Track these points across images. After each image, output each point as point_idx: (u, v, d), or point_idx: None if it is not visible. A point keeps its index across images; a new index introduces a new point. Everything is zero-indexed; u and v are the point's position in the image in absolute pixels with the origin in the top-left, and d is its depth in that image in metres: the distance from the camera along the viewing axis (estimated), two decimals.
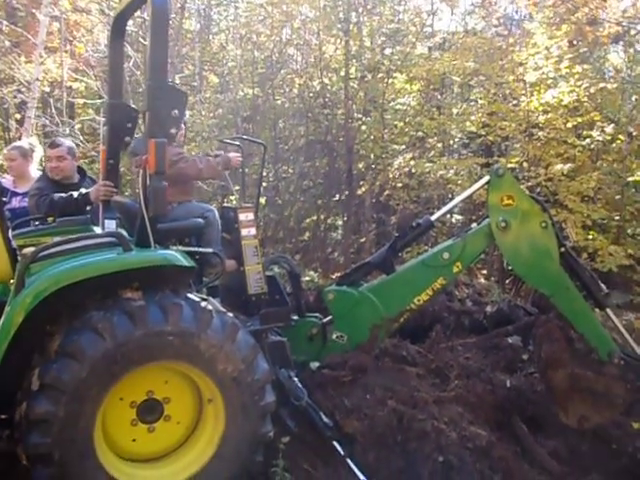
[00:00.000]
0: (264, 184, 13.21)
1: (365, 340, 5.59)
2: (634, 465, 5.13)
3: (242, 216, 5.16)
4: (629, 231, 11.23)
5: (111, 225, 4.71)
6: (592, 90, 10.91)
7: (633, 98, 11.85)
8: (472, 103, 13.19)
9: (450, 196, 13.40)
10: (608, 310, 5.79)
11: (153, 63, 4.05)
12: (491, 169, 5.83)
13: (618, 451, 5.24)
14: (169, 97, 4.04)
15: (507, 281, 11.79)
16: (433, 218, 5.94)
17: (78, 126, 12.24)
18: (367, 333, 5.59)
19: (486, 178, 5.74)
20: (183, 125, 5.64)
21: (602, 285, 5.75)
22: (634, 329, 8.82)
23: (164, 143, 4.00)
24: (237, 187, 9.53)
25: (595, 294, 5.73)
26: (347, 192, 12.71)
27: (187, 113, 6.01)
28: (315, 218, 13.47)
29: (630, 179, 11.24)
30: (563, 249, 5.60)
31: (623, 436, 5.34)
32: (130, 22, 10.85)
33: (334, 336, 5.58)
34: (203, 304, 4.02)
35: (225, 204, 5.81)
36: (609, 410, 5.43)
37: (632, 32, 10.96)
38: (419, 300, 5.62)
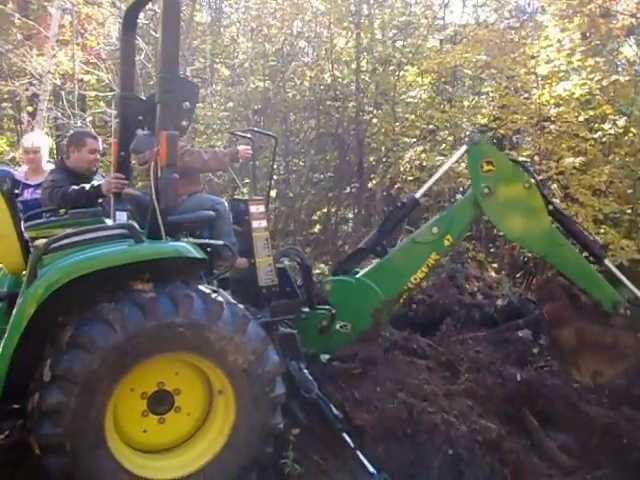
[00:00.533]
0: (275, 177, 13.23)
1: (369, 326, 5.62)
2: None
3: (253, 208, 5.17)
4: None
5: (122, 217, 4.74)
6: (604, 83, 10.84)
7: None
8: (483, 96, 13.12)
9: (461, 189, 13.39)
10: (606, 261, 5.79)
11: (164, 56, 4.05)
12: (468, 138, 5.81)
13: (628, 445, 5.22)
14: (180, 89, 4.05)
15: (518, 275, 11.76)
16: (417, 196, 5.94)
17: (89, 119, 12.28)
18: (369, 319, 5.62)
19: (464, 148, 5.76)
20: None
21: (596, 238, 5.75)
22: None
23: (175, 135, 4.01)
24: (248, 180, 9.56)
25: (591, 248, 5.73)
26: (358, 185, 12.68)
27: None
28: (326, 211, 13.46)
29: None
30: (551, 207, 5.60)
31: (633, 430, 5.31)
32: (141, 15, 10.90)
33: (337, 326, 5.59)
34: (214, 296, 4.03)
35: (236, 196, 5.80)
36: (621, 362, 5.46)
37: None
38: (416, 278, 5.65)
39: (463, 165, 11.35)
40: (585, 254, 5.94)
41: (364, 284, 5.64)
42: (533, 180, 5.55)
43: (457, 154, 5.89)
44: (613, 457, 5.16)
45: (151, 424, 4.05)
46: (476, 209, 5.66)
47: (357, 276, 5.73)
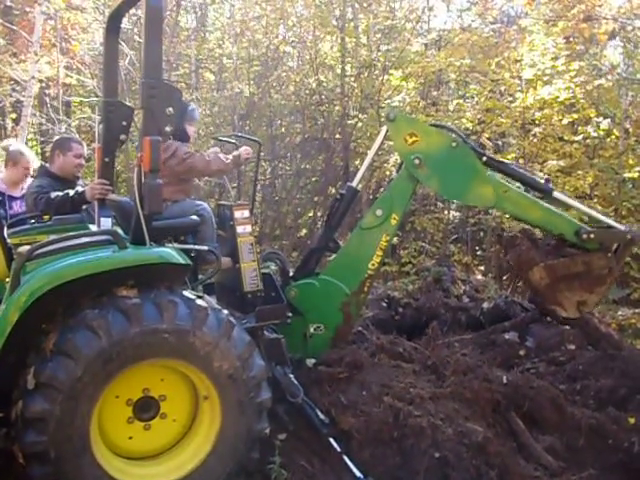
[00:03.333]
0: (261, 181, 13.23)
1: (341, 321, 5.65)
2: (630, 460, 5.12)
3: (237, 213, 5.16)
4: None
5: (107, 223, 4.72)
6: (588, 87, 10.93)
7: (629, 94, 11.85)
8: (468, 100, 13.18)
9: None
10: (555, 193, 5.78)
11: (147, 61, 4.04)
12: (384, 116, 5.83)
13: (614, 446, 5.21)
14: (163, 95, 4.03)
15: (504, 277, 11.82)
16: (354, 184, 5.95)
17: (75, 124, 12.23)
18: (340, 314, 5.64)
19: (384, 129, 5.80)
20: (193, 123, 5.68)
21: (538, 174, 5.76)
22: (630, 324, 8.85)
23: (159, 141, 4.00)
24: (234, 185, 9.56)
25: (536, 185, 5.75)
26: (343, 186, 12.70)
27: (197, 111, 6.03)
28: (312, 215, 13.48)
29: (626, 175, 11.26)
30: (485, 158, 5.61)
31: (619, 431, 5.32)
32: (125, 20, 10.88)
33: (311, 329, 5.61)
34: (198, 301, 4.02)
35: (221, 201, 5.81)
36: (601, 285, 5.50)
37: (628, 28, 10.95)
38: (373, 264, 5.66)
39: None
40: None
41: (327, 282, 5.66)
42: (460, 138, 5.57)
43: (380, 136, 5.90)
44: (599, 458, 5.16)
45: (137, 431, 4.03)
46: (413, 182, 5.68)
47: (318, 276, 5.76)
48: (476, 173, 5.54)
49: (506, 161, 5.92)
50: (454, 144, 5.52)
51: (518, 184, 5.81)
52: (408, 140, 5.52)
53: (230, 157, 5.47)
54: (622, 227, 5.88)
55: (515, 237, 5.86)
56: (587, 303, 5.44)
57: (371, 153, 6.16)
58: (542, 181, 5.79)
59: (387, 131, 5.72)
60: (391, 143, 12.58)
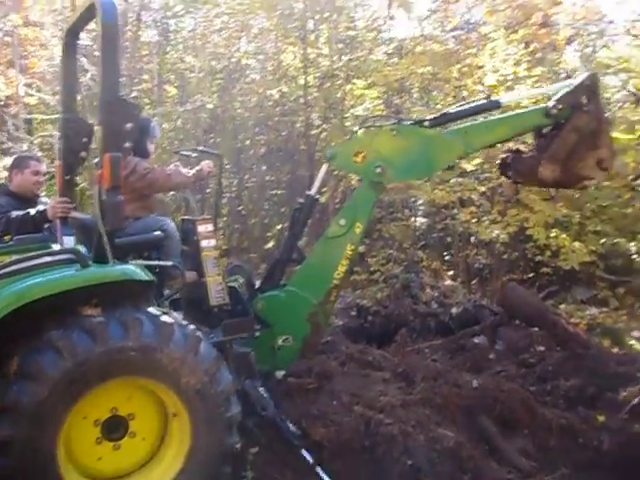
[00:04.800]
0: (227, 194, 13.20)
1: (309, 332, 5.62)
2: (600, 458, 5.19)
3: (201, 227, 5.14)
4: (590, 228, 11.38)
5: (70, 242, 4.66)
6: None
7: None
8: (431, 107, 13.26)
9: (413, 200, 13.49)
10: (502, 100, 5.79)
11: (105, 77, 4.02)
12: (326, 158, 5.84)
13: (584, 445, 5.29)
14: (122, 111, 4.01)
15: (473, 282, 11.89)
16: (312, 192, 5.93)
17: (37, 141, 12.11)
18: (308, 325, 5.61)
19: (325, 166, 5.87)
20: (153, 140, 5.66)
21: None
22: (598, 324, 8.95)
23: (119, 157, 3.97)
24: (198, 196, 9.52)
25: (483, 108, 5.76)
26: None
27: (158, 127, 6.01)
28: (279, 226, 13.46)
29: None
30: (426, 122, 5.62)
31: (588, 430, 5.40)
32: (85, 35, 10.80)
33: (280, 341, 5.57)
34: (164, 318, 3.99)
35: (185, 216, 5.79)
36: (600, 136, 5.40)
37: (584, 34, 11.11)
38: (339, 274, 5.64)
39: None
40: None
41: (293, 293, 5.64)
42: (396, 124, 5.58)
43: (321, 172, 5.92)
44: (570, 457, 5.23)
45: (106, 451, 3.97)
46: (375, 190, 5.69)
47: (284, 288, 5.74)
48: (430, 139, 5.53)
49: (446, 110, 5.94)
50: (393, 132, 5.52)
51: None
52: (358, 160, 5.53)
53: (192, 171, 5.46)
54: (567, 81, 5.97)
55: (504, 159, 5.83)
56: (603, 159, 5.34)
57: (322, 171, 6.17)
58: (484, 101, 5.76)
59: (328, 166, 5.77)
60: None
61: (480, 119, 5.80)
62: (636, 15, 9.47)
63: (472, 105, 5.78)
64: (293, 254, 5.90)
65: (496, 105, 5.70)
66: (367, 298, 9.17)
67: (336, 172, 12.68)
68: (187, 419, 4.03)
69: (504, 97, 5.87)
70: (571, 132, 5.35)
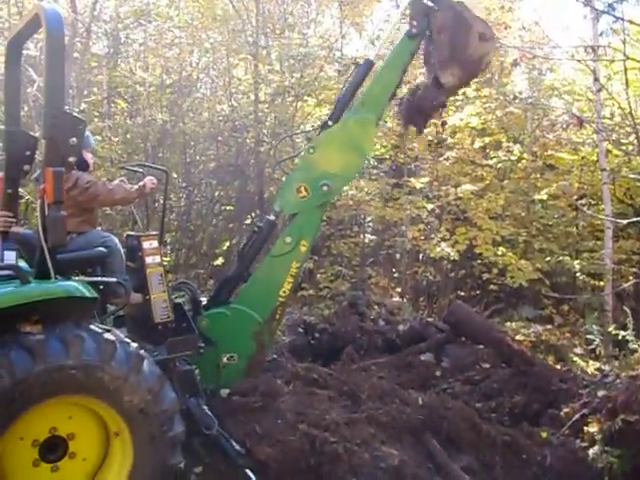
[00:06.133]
0: (175, 209, 13.08)
1: (254, 351, 5.65)
2: (543, 473, 5.26)
3: (146, 244, 5.08)
4: (536, 246, 11.61)
5: (11, 257, 4.54)
6: (498, 113, 11.30)
7: (535, 118, 12.29)
8: (381, 124, 13.38)
9: (362, 216, 13.57)
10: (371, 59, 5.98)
11: (49, 89, 3.96)
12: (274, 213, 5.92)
13: (528, 461, 5.35)
14: (67, 125, 3.95)
15: (420, 299, 11.99)
16: (273, 218, 5.95)
17: None
18: (253, 343, 5.65)
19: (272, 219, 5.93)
20: (91, 153, 5.57)
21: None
22: (542, 340, 9.10)
23: (62, 172, 3.91)
24: (144, 213, 9.39)
25: (360, 78, 5.91)
26: (259, 215, 12.68)
27: (95, 141, 5.92)
28: (228, 242, 13.39)
29: (536, 197, 11.64)
30: (329, 122, 5.78)
31: (532, 445, 5.46)
32: (32, 45, 10.61)
33: (224, 359, 5.58)
34: (106, 335, 3.93)
35: (129, 232, 5.71)
36: (469, 17, 5.63)
37: (530, 57, 11.36)
38: (284, 291, 5.71)
39: (362, 193, 11.59)
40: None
41: (238, 311, 5.66)
42: (310, 145, 5.75)
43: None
44: (514, 473, 5.28)
45: (44, 474, 3.88)
46: (320, 209, 5.82)
47: (230, 305, 5.74)
48: (343, 130, 5.70)
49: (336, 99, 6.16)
50: (310, 150, 5.69)
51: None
52: (303, 194, 5.64)
53: (135, 187, 5.38)
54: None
55: (400, 109, 6.04)
56: (482, 32, 5.63)
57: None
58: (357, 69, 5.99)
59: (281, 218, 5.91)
60: None
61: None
62: (581, 41, 9.71)
63: (351, 79, 5.97)
64: (244, 274, 5.88)
65: (370, 63, 5.90)
66: (314, 315, 9.18)
67: None
68: (129, 438, 3.98)
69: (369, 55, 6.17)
70: (439, 34, 5.60)
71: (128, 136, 12.76)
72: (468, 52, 5.60)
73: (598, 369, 8.14)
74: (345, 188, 11.37)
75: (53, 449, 3.91)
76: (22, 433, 3.77)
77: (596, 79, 10.09)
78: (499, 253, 10.83)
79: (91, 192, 5.09)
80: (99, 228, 5.59)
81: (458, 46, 5.58)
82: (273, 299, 5.67)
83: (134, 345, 4.07)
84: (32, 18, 4.21)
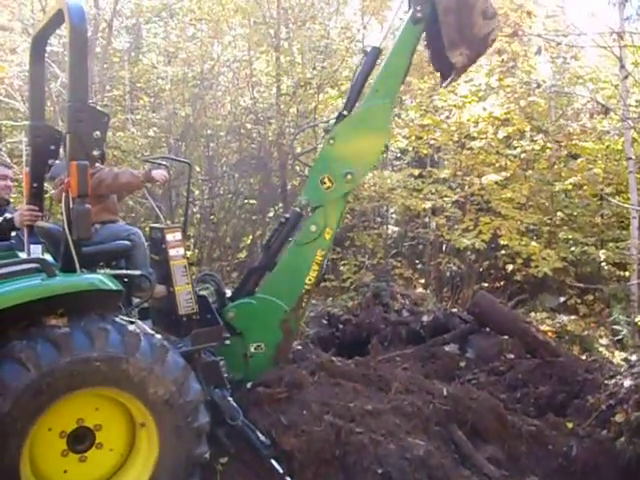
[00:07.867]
0: (198, 202, 13.12)
1: (281, 339, 5.67)
2: (569, 464, 5.23)
3: (169, 236, 5.09)
4: (560, 235, 11.53)
5: (37, 250, 4.59)
6: (522, 103, 11.20)
7: (560, 107, 12.20)
8: (402, 117, 13.32)
9: (385, 208, 13.55)
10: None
11: (73, 84, 3.99)
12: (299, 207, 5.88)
13: (554, 451, 5.33)
14: (90, 119, 3.98)
15: (444, 290, 11.95)
16: (299, 209, 5.91)
17: (5, 148, 11.95)
18: (280, 332, 5.67)
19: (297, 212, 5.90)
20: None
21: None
22: (567, 331, 9.04)
23: (86, 166, 3.94)
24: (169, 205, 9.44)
25: (371, 64, 5.87)
26: (282, 208, 12.70)
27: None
28: (252, 236, 13.41)
29: (559, 186, 11.55)
30: (345, 112, 5.74)
31: (558, 436, 5.44)
32: (56, 41, 10.70)
33: (252, 349, 5.60)
34: (131, 327, 3.95)
35: (153, 224, 5.72)
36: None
37: (554, 45, 11.25)
38: (310, 279, 5.71)
39: (385, 185, 11.55)
40: None
41: (264, 300, 5.67)
42: (331, 134, 5.70)
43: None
44: (540, 464, 5.26)
45: (72, 463, 3.92)
46: (344, 198, 5.83)
47: (256, 295, 5.76)
48: (360, 118, 5.68)
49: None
50: (330, 141, 5.66)
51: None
52: (327, 184, 5.63)
53: (141, 172, 5.37)
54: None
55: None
56: (484, 9, 5.62)
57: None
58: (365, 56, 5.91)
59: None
60: None
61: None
62: (606, 27, 9.59)
63: (361, 67, 5.89)
64: (269, 265, 5.88)
65: (377, 51, 5.86)
66: (338, 306, 9.19)
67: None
68: (155, 429, 4.00)
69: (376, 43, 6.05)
70: (445, 16, 5.56)
71: (151, 130, 12.83)
72: (474, 31, 5.62)
73: (624, 359, 8.08)
74: (368, 178, 11.39)
75: (81, 440, 3.95)
76: (50, 424, 3.81)
77: (622, 66, 9.98)
78: (523, 243, 10.78)
79: (96, 177, 5.02)
80: (122, 222, 5.60)
81: (465, 26, 5.59)
82: (299, 287, 5.68)
83: (158, 337, 4.09)
84: (55, 13, 4.24)
